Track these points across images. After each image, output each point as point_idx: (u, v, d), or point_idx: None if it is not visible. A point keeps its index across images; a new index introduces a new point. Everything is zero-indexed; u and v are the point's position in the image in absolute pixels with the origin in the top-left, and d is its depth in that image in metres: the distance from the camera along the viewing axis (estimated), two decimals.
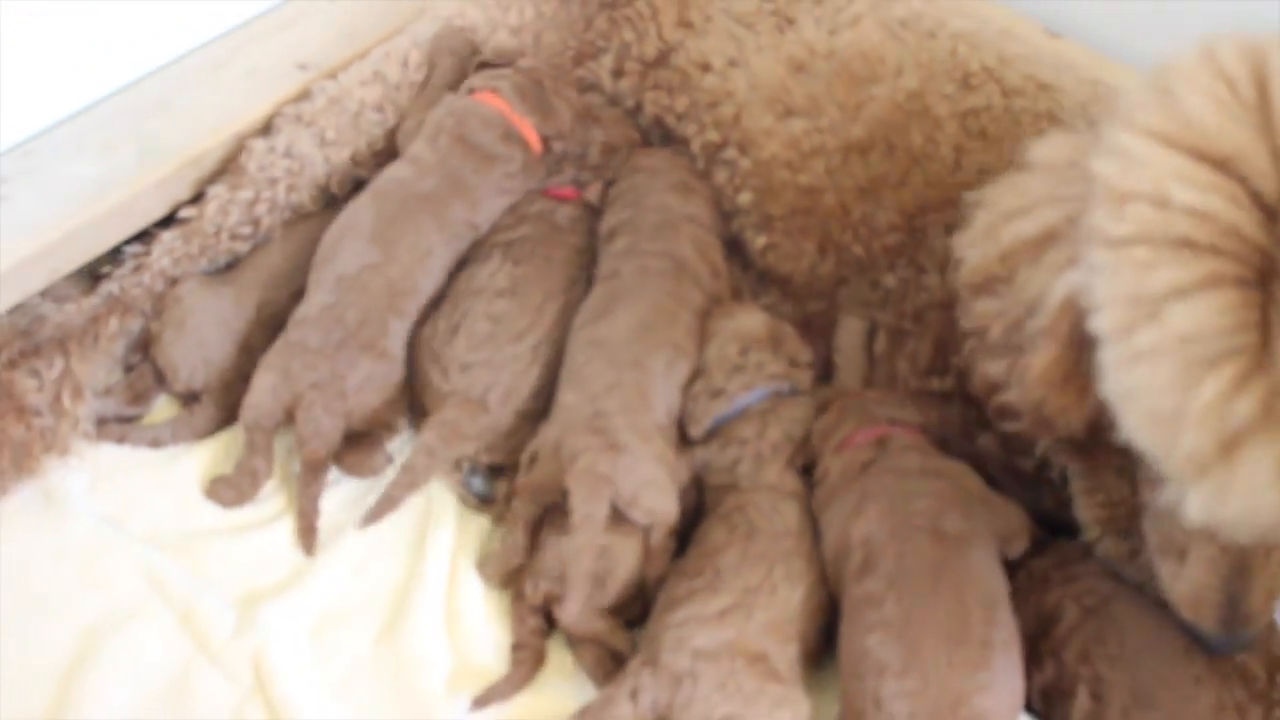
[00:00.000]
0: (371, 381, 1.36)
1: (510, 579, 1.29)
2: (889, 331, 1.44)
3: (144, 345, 1.44)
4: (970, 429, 1.34)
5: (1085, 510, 1.22)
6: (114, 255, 1.48)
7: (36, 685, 1.21)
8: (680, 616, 1.18)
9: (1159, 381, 0.90)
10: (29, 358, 1.37)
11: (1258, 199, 0.90)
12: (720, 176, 1.55)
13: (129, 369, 1.45)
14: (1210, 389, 0.87)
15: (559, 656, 1.27)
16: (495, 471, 1.37)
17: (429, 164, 1.49)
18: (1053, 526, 1.28)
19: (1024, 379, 1.10)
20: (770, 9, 1.54)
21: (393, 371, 1.39)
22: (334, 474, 1.38)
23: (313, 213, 1.52)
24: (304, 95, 1.57)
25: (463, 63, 1.61)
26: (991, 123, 1.39)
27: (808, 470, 1.32)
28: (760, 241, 1.52)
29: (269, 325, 1.40)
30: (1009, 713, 1.13)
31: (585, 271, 1.48)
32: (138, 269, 1.45)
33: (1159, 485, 1.04)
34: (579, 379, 1.32)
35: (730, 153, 1.54)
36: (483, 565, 1.31)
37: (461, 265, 1.49)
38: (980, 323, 1.16)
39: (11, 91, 1.43)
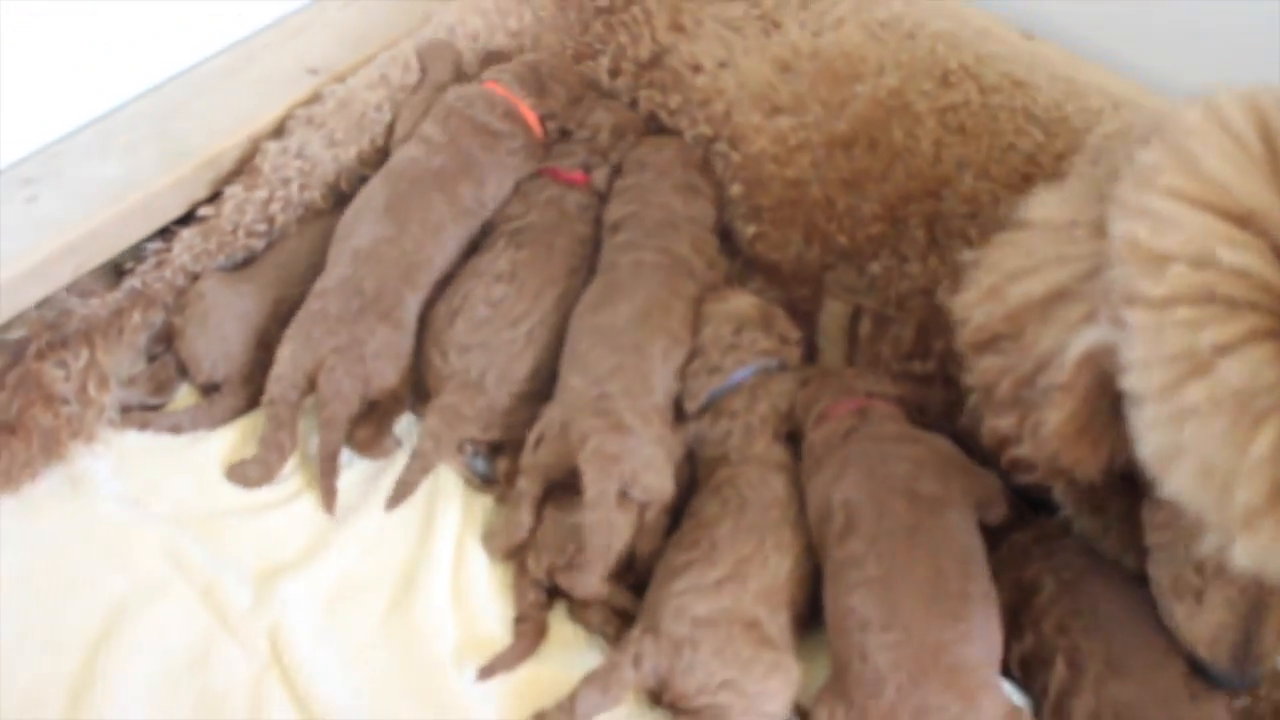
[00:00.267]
0: (388, 349, 1.37)
1: (513, 553, 1.30)
2: (873, 317, 1.44)
3: (166, 337, 1.44)
4: (951, 410, 1.34)
5: (1065, 494, 1.23)
6: (136, 251, 1.48)
7: (65, 656, 1.21)
8: (680, 586, 1.19)
9: (1211, 437, 0.88)
10: (57, 349, 1.37)
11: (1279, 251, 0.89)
12: (713, 168, 1.55)
13: (151, 359, 1.45)
14: (1265, 442, 0.86)
15: (559, 629, 1.27)
16: (495, 451, 1.38)
17: (439, 143, 1.50)
18: (1032, 502, 1.28)
19: (1038, 433, 1.09)
20: (757, 14, 1.55)
21: (405, 341, 1.39)
22: (347, 456, 1.38)
23: (324, 210, 1.53)
24: (314, 99, 1.57)
25: (454, 67, 1.61)
26: (969, 118, 1.39)
27: (794, 440, 1.32)
28: (749, 231, 1.53)
29: (285, 320, 1.40)
30: (988, 661, 1.13)
31: (586, 261, 1.48)
32: (159, 265, 1.46)
33: (1172, 528, 1.07)
34: (583, 364, 1.32)
35: (721, 146, 1.54)
36: (488, 540, 1.32)
37: (472, 250, 1.49)
38: (986, 379, 1.14)
39: (38, 97, 1.44)
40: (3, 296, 1.37)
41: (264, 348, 1.40)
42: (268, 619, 1.25)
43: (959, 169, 1.37)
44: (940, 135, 1.40)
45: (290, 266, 1.47)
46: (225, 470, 1.37)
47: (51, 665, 1.21)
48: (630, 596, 1.24)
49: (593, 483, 1.24)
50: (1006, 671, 1.18)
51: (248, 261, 1.51)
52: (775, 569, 1.21)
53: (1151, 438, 0.94)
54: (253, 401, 1.41)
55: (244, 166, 1.53)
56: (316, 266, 1.44)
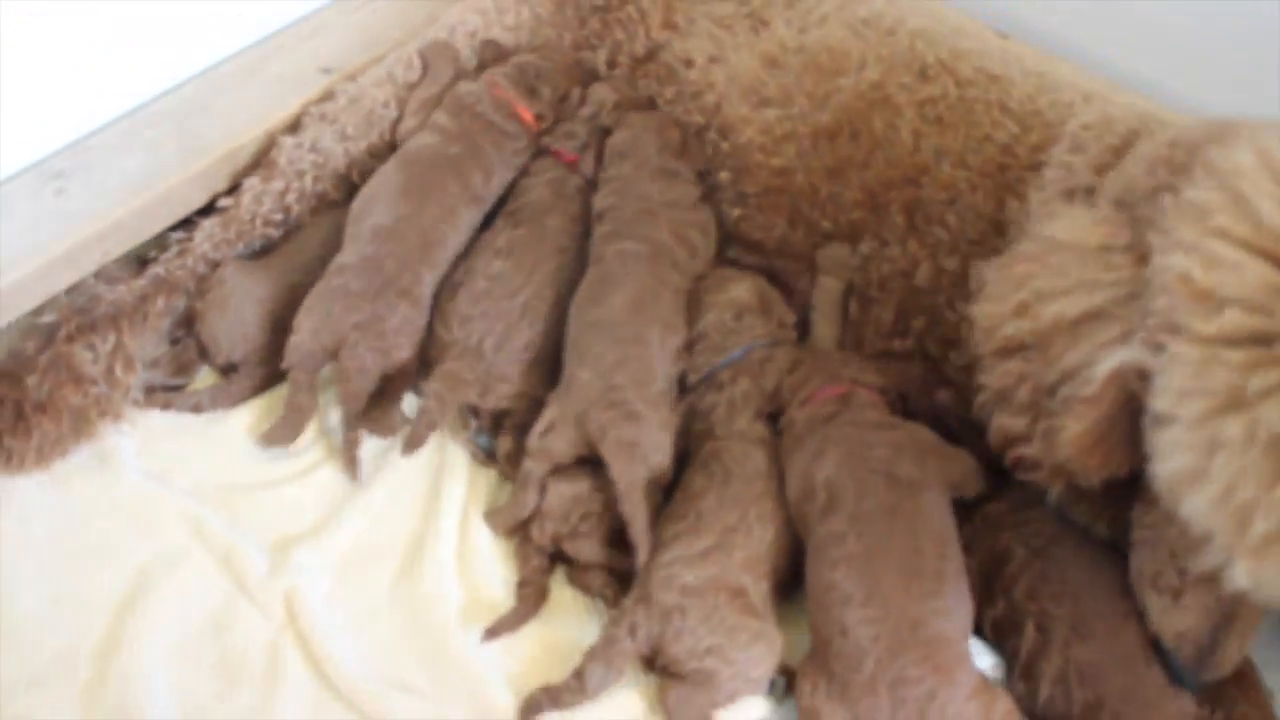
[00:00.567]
0: (407, 325, 1.38)
1: (515, 529, 1.31)
2: (857, 298, 1.44)
3: (188, 321, 1.45)
4: (930, 385, 1.36)
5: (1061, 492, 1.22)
6: (160, 241, 1.49)
7: (94, 621, 1.23)
8: (668, 557, 1.20)
9: (1239, 470, 0.89)
10: (85, 333, 1.38)
11: None
12: (696, 144, 1.55)
13: (174, 343, 1.45)
14: None
15: (559, 592, 1.28)
16: (497, 427, 1.39)
17: (454, 133, 1.51)
18: (1004, 472, 1.26)
19: (1051, 438, 1.10)
20: (746, 12, 1.56)
21: (421, 317, 1.41)
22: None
23: (336, 200, 1.53)
24: (327, 96, 1.58)
25: (454, 65, 1.62)
26: (946, 110, 1.39)
27: (775, 419, 1.33)
28: (735, 214, 1.53)
29: (300, 305, 1.40)
30: (962, 634, 1.14)
31: (577, 240, 1.48)
32: (181, 253, 1.47)
33: (1160, 530, 1.08)
34: (589, 358, 1.32)
35: (711, 136, 1.55)
36: (490, 516, 1.32)
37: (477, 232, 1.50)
38: (1004, 382, 1.15)
39: (66, 96, 1.44)
40: (34, 283, 1.38)
41: (280, 331, 1.41)
42: (283, 585, 1.26)
43: (937, 158, 1.38)
44: (919, 126, 1.40)
45: (304, 254, 1.48)
46: (258, 437, 1.38)
47: (80, 628, 1.23)
48: (628, 560, 1.25)
49: (623, 473, 1.25)
50: (980, 634, 1.19)
51: (265, 250, 1.52)
52: (759, 539, 1.22)
53: (1175, 459, 0.94)
54: (268, 382, 1.42)
55: (261, 160, 1.54)
56: (329, 254, 1.44)
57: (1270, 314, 0.89)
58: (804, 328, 1.47)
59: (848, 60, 1.46)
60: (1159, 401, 0.95)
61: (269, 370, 1.42)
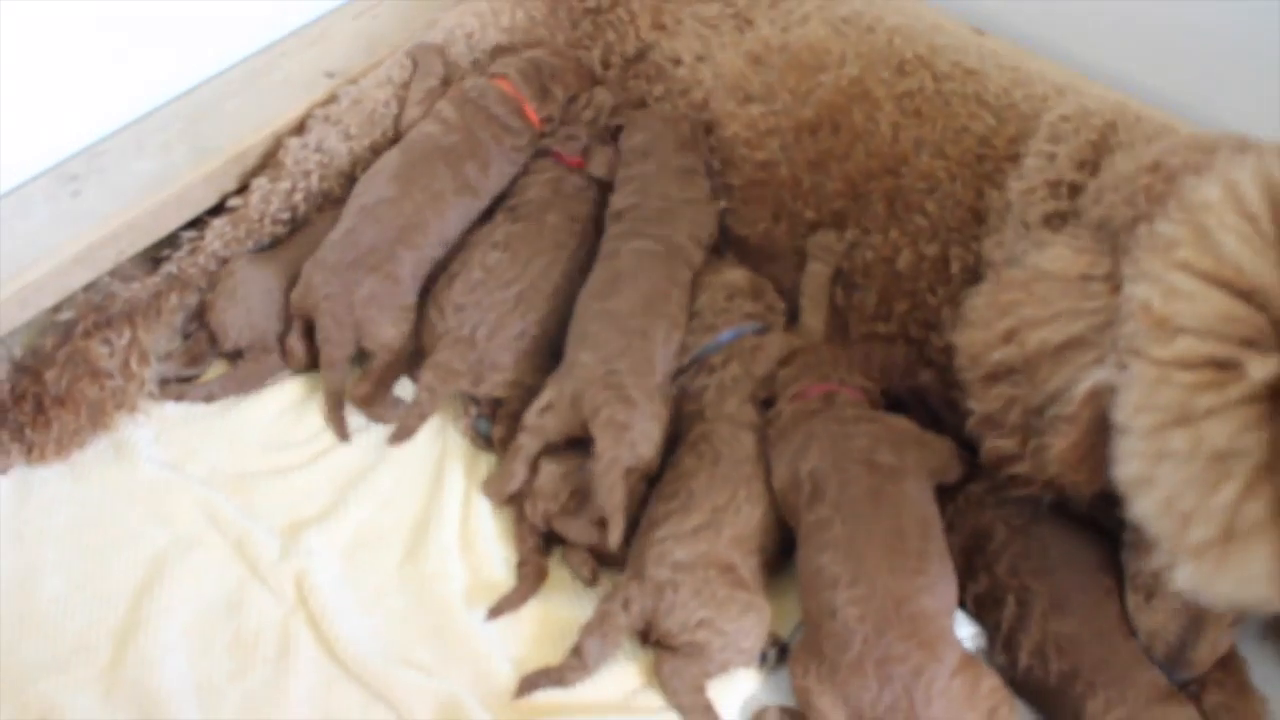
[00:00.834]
0: (376, 299, 1.39)
1: (510, 500, 1.32)
2: (841, 285, 1.45)
3: (200, 316, 1.46)
4: (913, 366, 1.37)
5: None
6: (172, 240, 1.49)
7: (113, 603, 1.24)
8: (660, 534, 1.20)
9: (1180, 479, 0.93)
10: (102, 329, 1.39)
11: (1278, 326, 0.92)
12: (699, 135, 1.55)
13: (186, 337, 1.46)
14: (1227, 493, 0.91)
15: (557, 571, 1.29)
16: (494, 411, 1.39)
17: (455, 124, 1.52)
18: None
19: (1040, 456, 1.12)
20: (731, 12, 1.56)
21: (400, 294, 1.41)
22: (364, 423, 1.40)
23: (341, 198, 1.52)
24: (331, 99, 1.59)
25: (442, 59, 1.62)
26: (924, 103, 1.40)
27: (768, 406, 1.33)
28: (721, 206, 1.53)
29: None
30: (946, 610, 1.15)
31: (576, 237, 1.49)
32: (193, 251, 1.47)
33: (1139, 533, 1.08)
34: (593, 343, 1.33)
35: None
36: (485, 486, 1.33)
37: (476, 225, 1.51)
38: (994, 406, 1.17)
39: (80, 102, 1.45)
40: (53, 281, 1.39)
41: (285, 320, 1.43)
42: (294, 567, 1.27)
43: (916, 149, 1.39)
44: (898, 119, 1.41)
45: (310, 247, 1.47)
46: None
47: (100, 611, 1.24)
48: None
49: (606, 449, 1.25)
50: (963, 608, 1.20)
51: (273, 246, 1.52)
52: (747, 517, 1.23)
53: (1129, 465, 0.98)
54: (274, 367, 1.43)
55: (268, 161, 1.55)
56: None
57: (1221, 341, 0.93)
58: (793, 316, 1.47)
59: (829, 57, 1.47)
60: (1119, 414, 0.99)
61: (275, 356, 1.43)
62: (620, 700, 1.18)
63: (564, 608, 1.26)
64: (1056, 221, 1.24)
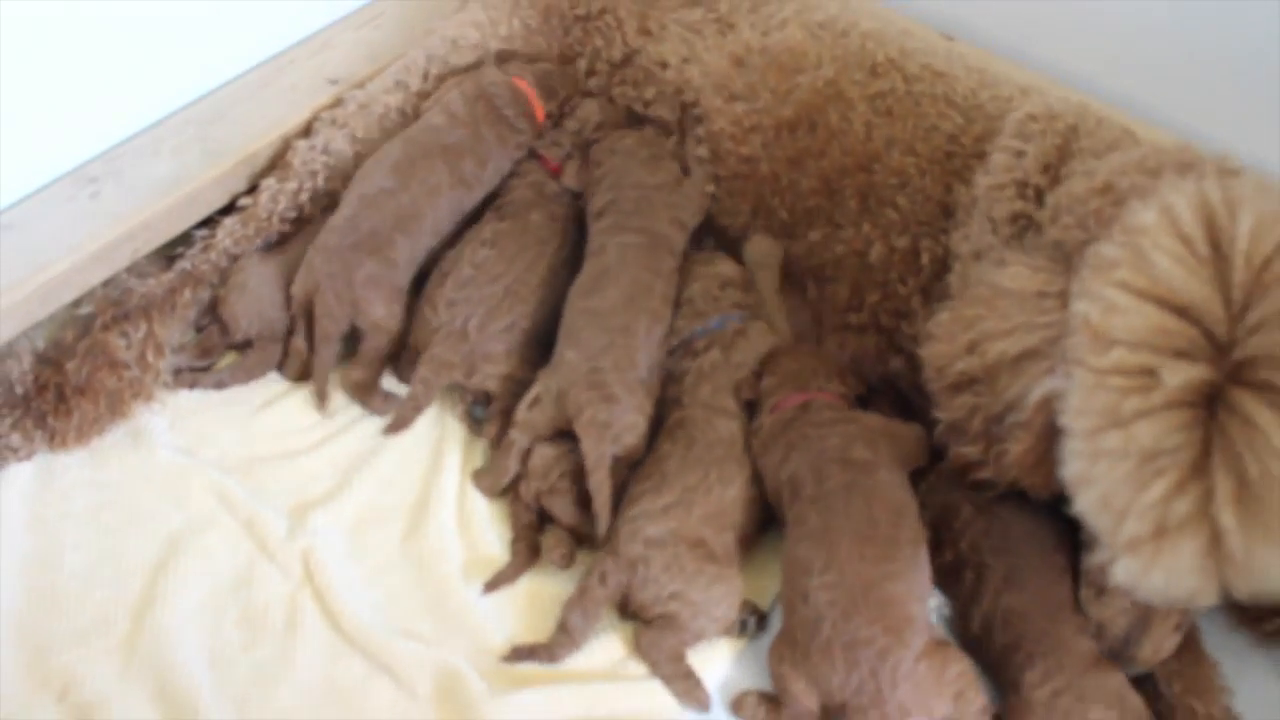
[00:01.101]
0: (373, 280, 1.41)
1: (501, 493, 1.34)
2: (814, 278, 1.47)
3: (212, 310, 1.47)
4: (884, 355, 1.39)
5: None
6: (185, 238, 1.51)
7: (131, 580, 1.26)
8: (634, 513, 1.23)
9: (1115, 478, 0.98)
10: (119, 322, 1.40)
11: (1210, 337, 0.97)
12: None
13: (199, 329, 1.48)
14: (1156, 491, 0.95)
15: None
16: (490, 401, 1.41)
17: (462, 119, 1.53)
18: None
19: (1001, 461, 1.16)
20: (714, 17, 1.58)
21: (395, 276, 1.44)
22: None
23: None
24: (337, 103, 1.60)
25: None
26: (895, 104, 1.42)
27: (751, 407, 1.35)
28: (708, 187, 1.54)
29: None
30: (915, 596, 1.15)
31: (558, 235, 1.50)
32: (205, 249, 1.49)
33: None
34: (578, 341, 1.35)
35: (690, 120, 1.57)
36: (478, 478, 1.35)
37: (466, 224, 1.52)
38: (958, 414, 1.19)
39: (99, 108, 1.44)
40: (72, 277, 1.41)
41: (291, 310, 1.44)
42: (301, 546, 1.29)
43: (888, 146, 1.40)
44: (870, 118, 1.42)
45: None
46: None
47: (118, 588, 1.25)
48: (593, 524, 1.27)
49: (591, 449, 1.27)
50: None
51: (281, 243, 1.53)
52: (719, 496, 1.24)
53: (1072, 465, 1.03)
54: (282, 356, 1.45)
55: (277, 162, 1.56)
56: None
57: (1153, 351, 0.97)
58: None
59: (806, 59, 1.48)
60: (1063, 417, 1.03)
61: (282, 346, 1.45)
62: (608, 668, 1.20)
63: (556, 583, 1.28)
64: (1022, 220, 1.26)
